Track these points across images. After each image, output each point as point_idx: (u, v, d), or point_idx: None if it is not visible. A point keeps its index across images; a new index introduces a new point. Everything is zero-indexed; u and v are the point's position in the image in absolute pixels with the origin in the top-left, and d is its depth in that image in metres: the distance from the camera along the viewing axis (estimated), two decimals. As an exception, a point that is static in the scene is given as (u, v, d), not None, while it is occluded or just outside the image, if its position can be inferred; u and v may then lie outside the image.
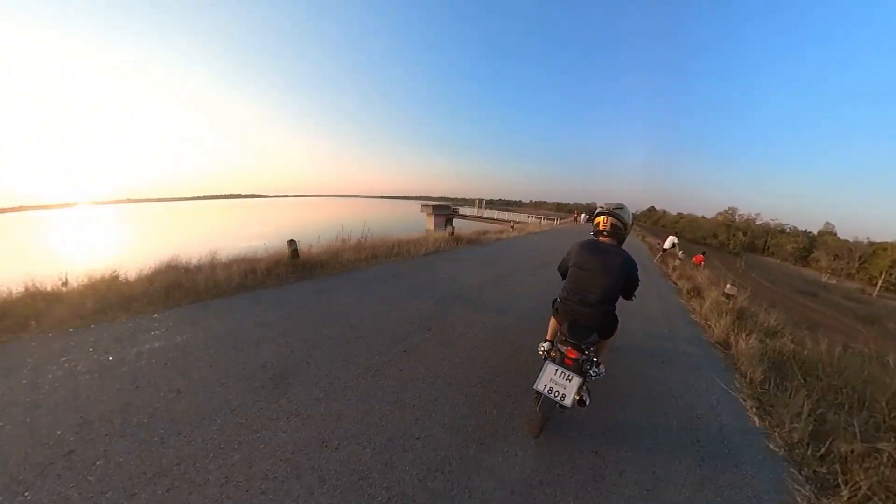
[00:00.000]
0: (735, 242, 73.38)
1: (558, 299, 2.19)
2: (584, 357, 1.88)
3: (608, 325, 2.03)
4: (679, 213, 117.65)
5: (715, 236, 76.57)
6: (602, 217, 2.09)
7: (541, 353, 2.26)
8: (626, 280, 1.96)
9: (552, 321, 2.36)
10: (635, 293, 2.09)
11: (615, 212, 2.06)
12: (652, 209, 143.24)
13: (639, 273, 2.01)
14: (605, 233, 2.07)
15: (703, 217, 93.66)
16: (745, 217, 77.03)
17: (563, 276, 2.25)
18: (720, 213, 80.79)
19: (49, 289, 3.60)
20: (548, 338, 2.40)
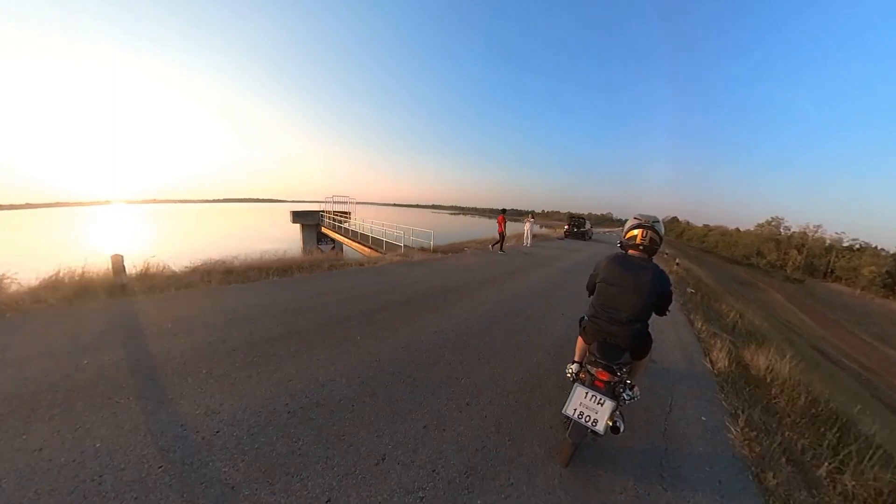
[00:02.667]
0: (791, 263, 55.11)
1: (586, 317, 2.08)
2: (617, 379, 1.81)
3: (641, 345, 1.92)
4: (706, 225, 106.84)
5: (760, 254, 59.90)
6: (640, 230, 1.93)
7: (568, 375, 2.08)
8: (658, 296, 1.85)
9: (579, 341, 2.21)
10: (669, 309, 1.95)
11: (654, 225, 1.92)
12: (675, 220, 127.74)
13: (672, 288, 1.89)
14: (640, 247, 1.93)
15: (738, 230, 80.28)
16: (798, 230, 58.89)
17: (591, 292, 2.14)
18: (760, 225, 66.05)
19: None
20: (576, 359, 2.21)
